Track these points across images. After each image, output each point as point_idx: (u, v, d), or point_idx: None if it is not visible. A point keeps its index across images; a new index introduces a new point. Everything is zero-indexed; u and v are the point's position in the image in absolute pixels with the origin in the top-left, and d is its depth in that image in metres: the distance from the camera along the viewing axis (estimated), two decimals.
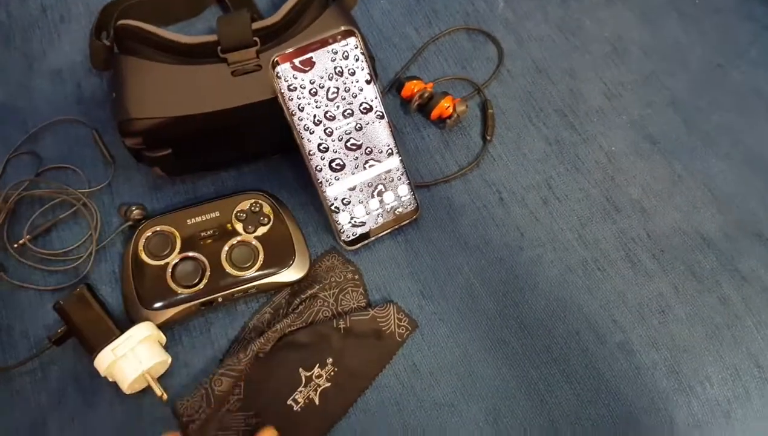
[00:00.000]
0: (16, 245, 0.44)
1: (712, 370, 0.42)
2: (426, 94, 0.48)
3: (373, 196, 0.44)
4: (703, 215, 0.46)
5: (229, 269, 0.42)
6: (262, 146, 0.47)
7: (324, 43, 0.41)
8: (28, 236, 0.44)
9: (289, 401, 0.40)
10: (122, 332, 0.39)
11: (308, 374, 0.40)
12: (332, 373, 0.40)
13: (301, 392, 0.40)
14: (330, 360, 0.40)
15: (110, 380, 0.39)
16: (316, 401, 0.40)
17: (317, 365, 0.40)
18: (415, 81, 0.49)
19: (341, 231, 0.44)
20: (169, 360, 0.40)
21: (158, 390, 0.38)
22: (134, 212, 0.44)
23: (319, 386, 0.40)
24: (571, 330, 0.42)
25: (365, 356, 0.41)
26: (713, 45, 0.53)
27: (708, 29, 0.54)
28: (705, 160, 0.48)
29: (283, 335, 0.41)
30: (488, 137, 0.49)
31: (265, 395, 0.40)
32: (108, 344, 0.38)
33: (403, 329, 0.42)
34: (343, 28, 0.42)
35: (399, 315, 0.42)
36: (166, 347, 0.40)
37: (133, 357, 0.38)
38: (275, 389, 0.40)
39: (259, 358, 0.40)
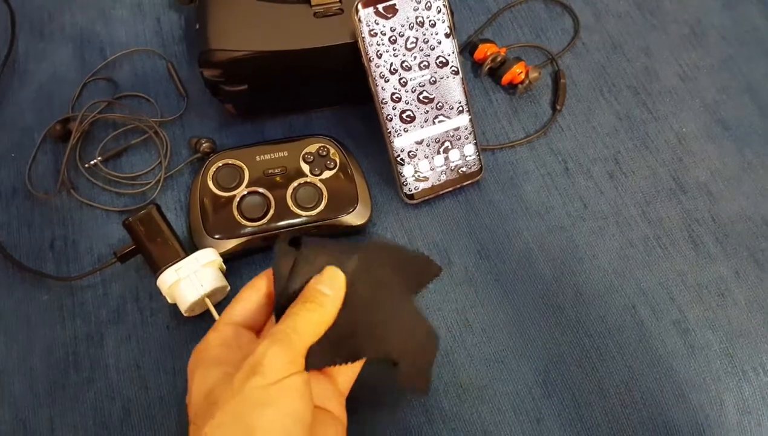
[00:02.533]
0: (87, 165, 0.45)
1: (766, 357, 0.41)
2: (499, 58, 0.48)
3: (439, 153, 0.44)
4: None
5: (293, 208, 0.43)
6: (335, 92, 0.47)
7: None
8: (99, 158, 0.45)
9: None
10: (187, 254, 0.40)
11: None
12: None
13: None
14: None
15: (170, 301, 0.40)
16: None
17: None
18: (488, 44, 0.49)
19: (404, 184, 0.44)
20: (228, 288, 0.41)
21: (216, 315, 0.39)
22: (204, 145, 0.45)
23: None
24: (628, 304, 0.42)
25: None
26: None
27: None
28: None
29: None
30: (558, 107, 0.48)
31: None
32: (173, 263, 0.39)
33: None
34: None
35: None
36: (225, 277, 0.41)
37: (196, 279, 0.39)
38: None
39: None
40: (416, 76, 0.43)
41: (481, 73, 0.49)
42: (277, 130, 0.48)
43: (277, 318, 0.31)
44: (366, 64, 0.42)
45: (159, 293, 0.39)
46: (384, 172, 0.45)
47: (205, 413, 0.26)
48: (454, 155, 0.45)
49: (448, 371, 0.40)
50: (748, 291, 0.43)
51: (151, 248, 0.40)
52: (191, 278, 0.39)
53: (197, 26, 0.43)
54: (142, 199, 0.45)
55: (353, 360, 0.30)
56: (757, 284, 0.43)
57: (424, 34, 0.43)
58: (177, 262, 0.39)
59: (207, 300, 0.40)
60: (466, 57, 0.50)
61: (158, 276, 0.39)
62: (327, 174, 0.45)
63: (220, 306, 0.41)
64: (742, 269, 0.44)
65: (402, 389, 0.39)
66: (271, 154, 0.45)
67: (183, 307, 0.39)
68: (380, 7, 0.41)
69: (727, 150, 0.48)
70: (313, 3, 0.43)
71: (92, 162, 0.45)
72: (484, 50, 0.49)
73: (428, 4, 0.42)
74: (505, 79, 0.48)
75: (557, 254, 0.44)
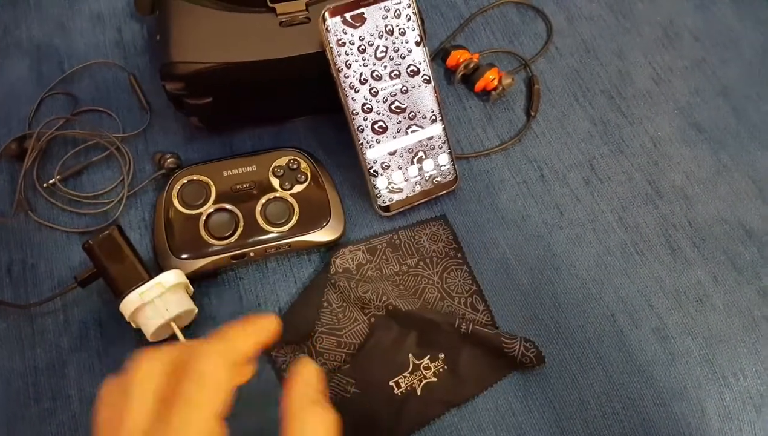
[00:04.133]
0: (46, 185, 0.43)
1: (746, 362, 0.41)
2: (471, 65, 0.47)
3: (413, 163, 0.43)
4: (746, 207, 0.45)
5: (263, 224, 0.41)
6: (304, 103, 0.46)
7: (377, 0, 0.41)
8: (58, 177, 0.43)
9: (391, 383, 0.38)
10: (151, 277, 0.38)
11: (417, 362, 0.39)
12: (441, 370, 0.38)
13: (405, 377, 0.38)
14: (442, 356, 0.39)
15: (134, 326, 0.38)
16: (418, 392, 0.38)
17: (428, 356, 0.39)
18: (461, 51, 0.48)
19: (378, 196, 0.43)
20: (196, 311, 0.39)
21: (183, 339, 0.38)
22: (169, 161, 0.43)
23: (425, 378, 0.38)
24: (606, 312, 0.42)
25: (479, 367, 0.38)
26: (767, 34, 0.53)
27: (763, 17, 0.53)
28: (752, 152, 0.48)
29: (394, 307, 0.39)
30: (532, 113, 0.48)
31: (369, 369, 0.38)
32: (136, 287, 0.37)
33: (527, 360, 0.38)
34: None
35: (527, 345, 0.38)
36: (193, 299, 0.39)
37: (161, 303, 0.37)
38: (381, 366, 0.38)
39: (371, 323, 0.39)
40: (387, 86, 0.42)
41: (454, 81, 0.48)
42: (245, 143, 0.46)
43: None
44: (335, 74, 0.41)
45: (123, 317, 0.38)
46: (357, 184, 0.44)
47: None
48: (428, 165, 0.44)
49: None
50: (726, 296, 0.43)
51: (113, 272, 0.38)
52: (156, 303, 0.37)
53: (158, 37, 0.42)
54: (105, 218, 0.43)
55: None
56: (735, 288, 0.43)
57: (394, 43, 0.41)
58: (140, 285, 0.37)
59: (173, 325, 0.38)
60: (438, 64, 0.49)
61: (121, 301, 0.38)
62: (298, 188, 0.43)
63: (188, 330, 0.39)
64: (720, 273, 0.44)
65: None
66: (239, 169, 0.43)
67: (148, 332, 0.38)
68: (348, 15, 0.40)
69: (702, 153, 0.48)
70: (278, 12, 0.42)
71: (51, 181, 0.43)
72: (457, 57, 0.48)
73: (397, 12, 0.41)
74: (479, 85, 0.48)
75: (535, 263, 0.43)
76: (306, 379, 0.28)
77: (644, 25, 0.52)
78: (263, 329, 0.29)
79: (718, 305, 0.43)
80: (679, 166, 0.47)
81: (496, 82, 0.47)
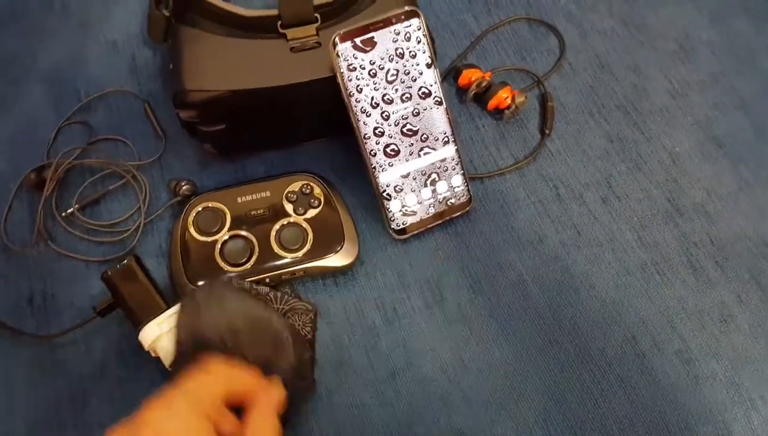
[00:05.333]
0: (64, 214, 0.43)
1: None
2: (484, 84, 0.47)
3: (426, 185, 0.43)
4: None
5: (277, 250, 0.41)
6: (316, 127, 0.46)
7: (387, 23, 0.40)
8: (76, 206, 0.44)
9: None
10: (169, 306, 0.38)
11: None
12: None
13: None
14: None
15: (153, 355, 0.38)
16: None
17: None
18: (472, 69, 0.48)
19: (392, 219, 0.43)
20: None
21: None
22: (184, 188, 0.44)
23: None
24: (628, 334, 0.41)
25: None
26: None
27: None
28: None
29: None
30: (547, 131, 0.47)
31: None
32: (154, 317, 0.37)
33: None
34: (407, 8, 0.40)
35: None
36: None
37: None
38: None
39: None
40: (399, 109, 0.42)
41: (467, 100, 0.48)
42: (258, 168, 0.46)
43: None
44: (346, 99, 0.40)
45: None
46: (371, 207, 0.44)
47: None
48: (442, 187, 0.44)
49: (444, 415, 0.39)
50: (752, 315, 0.42)
51: (131, 302, 0.38)
52: (174, 332, 0.38)
53: (171, 66, 0.42)
54: (122, 246, 0.43)
55: None
56: (761, 308, 0.42)
57: (405, 66, 0.41)
58: (158, 315, 0.38)
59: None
60: (450, 83, 0.49)
61: (140, 331, 0.38)
62: (311, 213, 0.43)
63: None
64: (744, 292, 0.42)
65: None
66: (253, 195, 0.43)
67: (167, 362, 0.38)
68: (358, 40, 0.40)
69: (722, 168, 0.47)
70: (289, 38, 0.42)
71: (69, 211, 0.43)
72: (469, 76, 0.48)
73: (408, 35, 0.41)
74: (491, 104, 0.47)
75: (552, 285, 0.42)
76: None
77: (659, 39, 0.51)
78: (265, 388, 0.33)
79: (743, 326, 0.41)
80: (699, 182, 0.46)
81: (509, 101, 0.47)
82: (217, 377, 0.31)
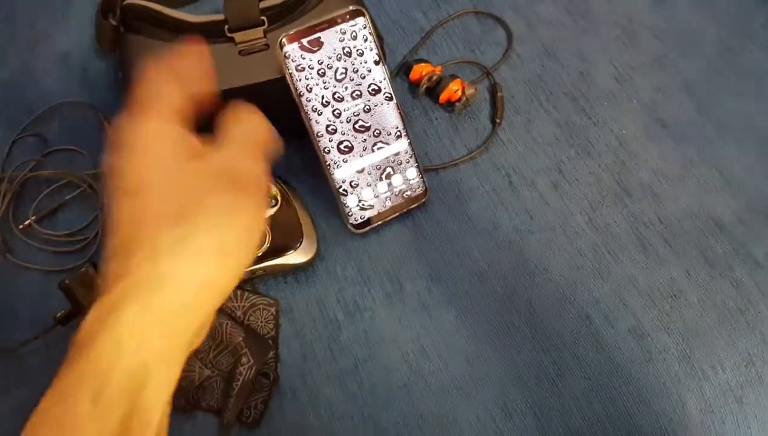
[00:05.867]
0: (21, 226, 0.43)
1: (724, 354, 0.41)
2: (434, 78, 0.48)
3: (381, 179, 0.44)
4: (715, 200, 0.46)
5: None
6: None
7: (332, 23, 0.41)
8: (33, 217, 0.44)
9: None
10: None
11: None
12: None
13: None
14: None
15: None
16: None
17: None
18: (423, 64, 0.48)
19: (349, 214, 0.43)
20: None
21: None
22: None
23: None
24: (582, 314, 0.42)
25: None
26: (726, 28, 0.53)
27: (720, 12, 0.54)
28: (717, 145, 0.48)
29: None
30: (497, 121, 0.48)
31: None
32: None
33: (245, 418, 0.39)
34: (351, 7, 0.41)
35: (256, 408, 0.39)
36: None
37: None
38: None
39: None
40: (350, 106, 0.43)
41: (419, 94, 0.49)
42: None
43: None
44: (297, 99, 0.41)
45: None
46: (329, 203, 0.44)
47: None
48: (397, 180, 0.45)
49: (407, 402, 0.39)
50: (700, 290, 0.43)
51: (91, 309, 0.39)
52: None
53: (120, 74, 0.43)
54: (82, 256, 0.43)
55: None
56: (709, 282, 0.43)
57: (353, 64, 0.42)
58: None
59: None
60: (402, 78, 0.50)
61: None
62: (269, 212, 0.44)
63: None
64: (692, 268, 0.44)
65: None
66: None
67: None
68: (305, 41, 0.40)
69: (668, 149, 0.48)
70: (237, 41, 0.42)
71: (26, 222, 0.43)
72: (419, 70, 0.48)
73: (354, 34, 0.42)
74: (443, 97, 0.48)
75: (508, 270, 0.43)
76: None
77: (603, 26, 0.53)
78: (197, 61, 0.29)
79: (693, 300, 0.43)
80: (647, 163, 0.47)
81: (459, 93, 0.47)
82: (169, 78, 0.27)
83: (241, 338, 0.38)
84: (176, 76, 0.27)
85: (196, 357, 0.39)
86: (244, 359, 0.38)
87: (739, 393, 0.40)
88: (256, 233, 0.25)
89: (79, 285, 0.39)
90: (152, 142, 0.24)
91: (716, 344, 0.41)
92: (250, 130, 0.28)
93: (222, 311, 0.39)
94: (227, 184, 0.25)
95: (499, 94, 0.49)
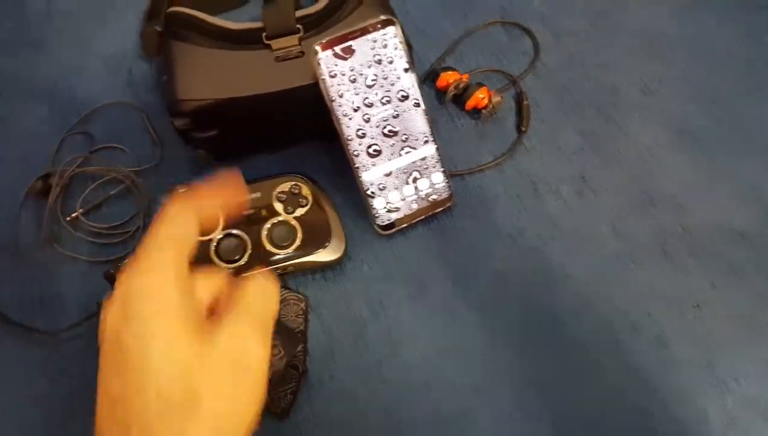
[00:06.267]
0: (69, 218, 0.46)
1: (749, 367, 0.41)
2: (461, 85, 0.49)
3: (408, 183, 0.45)
4: (741, 211, 0.46)
5: (268, 247, 0.44)
6: (302, 131, 0.48)
7: (364, 32, 0.42)
8: (80, 210, 0.46)
9: None
10: None
11: None
12: None
13: None
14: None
15: None
16: None
17: None
18: (450, 72, 0.50)
19: (376, 216, 0.45)
20: None
21: None
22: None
23: None
24: (604, 322, 0.42)
25: None
26: (755, 41, 0.52)
27: (749, 25, 0.53)
28: (744, 157, 0.48)
29: None
30: (523, 129, 0.49)
31: None
32: None
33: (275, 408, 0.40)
34: (383, 17, 0.43)
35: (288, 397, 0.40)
36: None
37: None
38: None
39: None
40: (379, 112, 0.44)
41: (446, 101, 0.50)
42: (250, 171, 0.48)
43: None
44: (329, 104, 0.43)
45: None
46: (357, 205, 0.46)
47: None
48: (423, 184, 0.46)
49: (428, 400, 0.41)
50: (725, 301, 0.43)
51: None
52: None
53: (164, 78, 0.45)
54: (124, 248, 0.46)
55: None
56: (734, 293, 0.43)
57: (383, 71, 0.44)
58: None
59: None
60: (429, 86, 0.51)
61: None
62: (300, 211, 0.45)
63: None
64: (717, 278, 0.44)
65: None
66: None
67: None
68: (338, 48, 0.42)
69: (694, 160, 0.48)
70: (274, 48, 0.44)
71: (73, 215, 0.46)
72: (447, 78, 0.50)
73: (384, 42, 0.43)
74: (469, 104, 0.49)
75: (531, 276, 0.44)
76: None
77: (630, 37, 0.53)
78: (231, 193, 0.29)
79: (718, 311, 0.43)
80: (672, 174, 0.47)
81: (486, 101, 0.49)
82: (186, 209, 0.26)
83: (272, 330, 0.40)
84: (200, 211, 0.27)
85: None
86: (275, 350, 0.39)
87: (764, 407, 0.40)
88: (254, 416, 0.25)
89: None
90: (156, 313, 0.23)
91: (741, 356, 0.41)
92: (258, 305, 0.27)
93: None
94: (231, 370, 0.24)
95: (525, 102, 0.49)
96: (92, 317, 0.41)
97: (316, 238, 0.44)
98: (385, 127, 0.44)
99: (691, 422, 0.39)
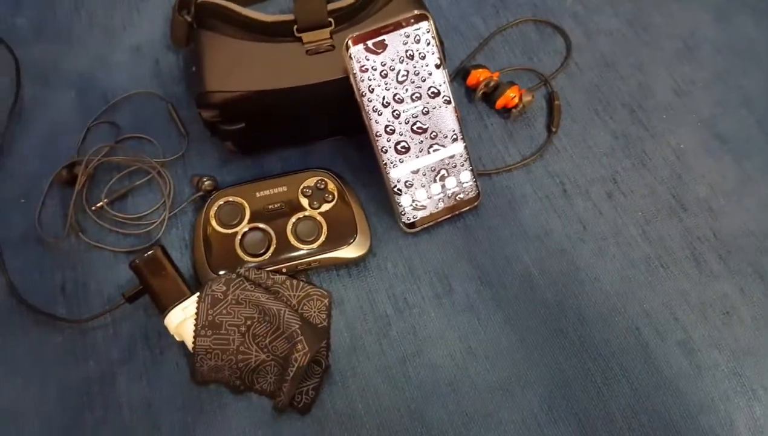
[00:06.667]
0: (94, 208, 0.46)
1: None
2: (492, 83, 0.49)
3: (435, 181, 0.45)
4: None
5: (293, 242, 0.43)
6: (330, 125, 0.48)
7: (397, 27, 0.42)
8: (105, 200, 0.46)
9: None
10: (192, 293, 0.41)
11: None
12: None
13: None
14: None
15: (178, 339, 0.41)
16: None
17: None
18: (481, 69, 0.49)
19: (402, 213, 0.45)
20: None
21: None
22: (206, 183, 0.46)
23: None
24: (631, 325, 0.42)
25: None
26: None
27: None
28: None
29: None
30: (553, 129, 0.48)
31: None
32: (179, 303, 0.40)
33: (297, 402, 0.40)
34: (416, 12, 0.42)
35: (308, 394, 0.40)
36: None
37: None
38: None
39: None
40: (409, 108, 0.44)
41: (475, 99, 0.50)
42: (276, 165, 0.48)
43: None
44: (359, 98, 0.42)
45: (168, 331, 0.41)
46: (383, 202, 0.46)
47: None
48: (451, 183, 0.45)
49: (453, 400, 0.40)
50: (754, 308, 0.43)
51: (158, 289, 0.41)
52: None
53: (193, 69, 0.44)
54: (148, 238, 0.46)
55: None
56: (763, 301, 0.43)
57: (415, 67, 0.43)
58: (183, 301, 0.40)
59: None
60: (459, 83, 0.51)
61: (165, 316, 0.40)
62: (326, 207, 0.45)
63: None
64: (746, 285, 0.43)
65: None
66: (271, 190, 0.46)
67: (191, 344, 0.40)
68: (370, 43, 0.42)
69: (726, 164, 0.48)
70: (305, 41, 0.44)
71: (98, 204, 0.46)
72: (477, 76, 0.49)
73: (417, 37, 0.43)
74: (499, 103, 0.49)
75: (558, 277, 0.44)
76: None
77: (664, 38, 0.53)
78: None
79: (746, 318, 0.42)
80: (703, 178, 0.47)
81: (516, 100, 0.48)
82: None
83: (297, 326, 0.39)
84: None
85: (253, 341, 0.40)
86: (299, 346, 0.39)
87: None
88: None
89: (147, 265, 0.41)
90: None
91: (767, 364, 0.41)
92: None
93: (279, 299, 0.41)
94: None
95: (556, 102, 0.49)
96: (117, 307, 0.41)
97: (341, 234, 0.44)
98: (414, 124, 0.44)
99: (717, 428, 0.39)
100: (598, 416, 0.39)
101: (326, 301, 0.43)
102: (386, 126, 0.43)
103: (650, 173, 0.47)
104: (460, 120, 0.44)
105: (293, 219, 0.44)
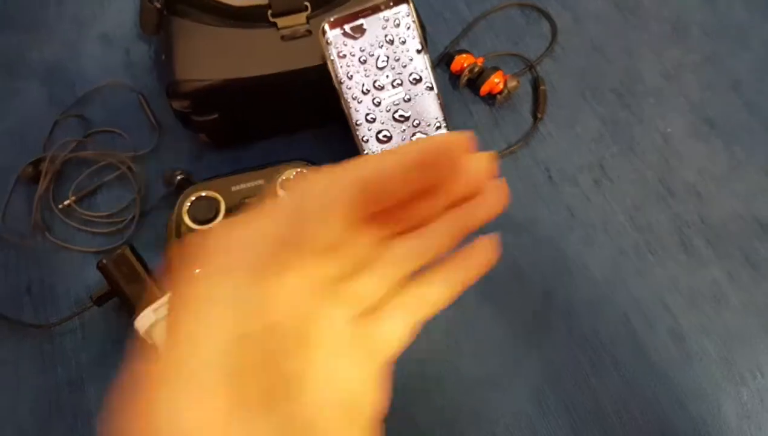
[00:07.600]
0: (61, 206, 0.44)
1: (764, 360, 0.40)
2: (476, 69, 0.47)
3: None
4: (761, 202, 0.44)
5: None
6: (308, 115, 0.46)
7: (375, 10, 0.40)
8: (73, 197, 0.44)
9: None
10: (164, 293, 0.39)
11: None
12: None
13: None
14: None
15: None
16: None
17: None
18: (465, 55, 0.48)
19: None
20: None
21: None
22: (179, 178, 0.44)
23: None
24: (620, 314, 0.41)
25: None
26: None
27: None
28: (765, 146, 0.46)
29: None
30: (539, 115, 0.47)
31: None
32: (150, 304, 0.38)
33: None
34: None
35: None
36: None
37: None
38: None
39: None
40: (390, 96, 0.42)
41: (459, 85, 0.48)
42: (254, 157, 0.46)
43: None
44: (337, 86, 0.41)
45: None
46: None
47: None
48: None
49: (441, 395, 0.39)
50: (743, 293, 0.42)
51: (127, 290, 0.39)
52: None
53: (163, 57, 0.42)
54: (120, 237, 0.44)
55: None
56: (752, 286, 0.42)
57: (395, 52, 0.41)
58: (154, 301, 0.38)
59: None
60: (443, 69, 0.49)
61: (135, 318, 0.39)
62: None
63: None
64: (735, 271, 0.43)
65: None
66: (247, 184, 0.44)
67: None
68: (348, 27, 0.40)
69: (714, 148, 0.47)
70: (280, 26, 0.42)
71: (66, 202, 0.44)
72: (461, 62, 0.48)
73: (397, 21, 0.41)
74: (484, 89, 0.47)
75: (546, 267, 0.43)
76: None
77: (652, 22, 0.51)
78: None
79: (735, 304, 0.42)
80: (692, 163, 0.46)
81: (501, 86, 0.47)
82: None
83: None
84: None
85: None
86: None
87: None
88: None
89: (116, 265, 0.39)
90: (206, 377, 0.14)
91: (757, 349, 0.40)
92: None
93: None
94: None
95: (541, 87, 0.48)
96: (85, 310, 0.39)
97: None
98: (396, 112, 0.42)
99: (706, 415, 0.38)
100: (588, 407, 0.38)
101: None
102: (366, 114, 0.42)
103: (638, 159, 0.46)
104: (444, 107, 0.43)
105: None
